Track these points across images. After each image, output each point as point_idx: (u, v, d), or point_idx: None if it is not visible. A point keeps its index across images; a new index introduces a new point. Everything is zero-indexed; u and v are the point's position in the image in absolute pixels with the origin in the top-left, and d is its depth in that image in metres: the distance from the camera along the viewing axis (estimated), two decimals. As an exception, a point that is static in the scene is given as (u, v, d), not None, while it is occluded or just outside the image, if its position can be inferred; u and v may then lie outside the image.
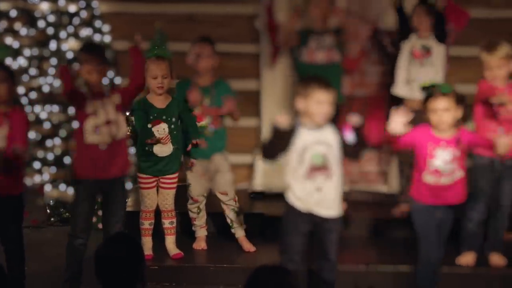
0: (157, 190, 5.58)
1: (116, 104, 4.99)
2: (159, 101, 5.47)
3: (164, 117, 5.45)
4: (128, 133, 6.43)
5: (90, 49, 5.08)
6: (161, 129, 5.43)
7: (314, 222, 4.69)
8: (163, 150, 5.45)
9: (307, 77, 4.78)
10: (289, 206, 4.71)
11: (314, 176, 4.62)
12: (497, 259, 5.48)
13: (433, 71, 6.07)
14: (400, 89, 6.19)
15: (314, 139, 4.62)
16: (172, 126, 5.46)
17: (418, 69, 6.11)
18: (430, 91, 4.90)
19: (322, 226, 4.71)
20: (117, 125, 4.99)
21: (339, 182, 4.69)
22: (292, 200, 4.69)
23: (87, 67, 4.92)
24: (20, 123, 4.89)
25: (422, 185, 4.94)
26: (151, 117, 5.43)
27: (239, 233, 5.75)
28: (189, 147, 5.53)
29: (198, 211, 5.75)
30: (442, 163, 4.87)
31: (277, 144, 4.58)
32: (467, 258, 5.46)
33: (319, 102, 4.58)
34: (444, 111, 4.83)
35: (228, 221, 5.74)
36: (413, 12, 6.18)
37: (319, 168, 4.62)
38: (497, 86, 5.29)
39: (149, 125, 5.41)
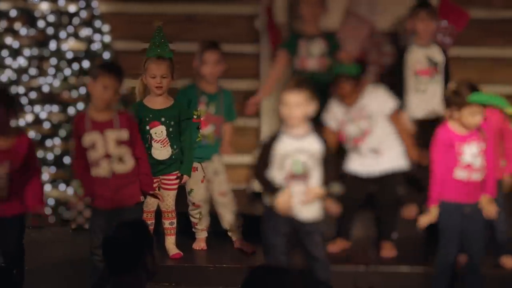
0: (158, 190, 5.54)
1: (121, 140, 4.92)
2: (157, 103, 5.37)
3: (162, 119, 5.35)
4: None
5: (111, 67, 5.04)
6: (158, 132, 5.34)
7: (293, 224, 4.69)
8: (162, 153, 5.37)
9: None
10: (267, 208, 4.71)
11: (291, 183, 4.61)
12: (508, 260, 5.44)
13: (440, 87, 5.78)
14: (413, 110, 5.80)
15: (295, 147, 4.60)
16: (171, 129, 5.36)
17: (425, 85, 5.82)
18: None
19: (302, 229, 4.71)
20: (119, 159, 4.92)
21: (316, 186, 4.66)
22: (270, 202, 4.68)
23: (103, 82, 4.84)
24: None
25: (451, 182, 4.91)
26: (147, 119, 5.34)
27: (237, 236, 5.73)
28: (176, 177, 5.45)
29: (200, 216, 5.68)
30: (471, 157, 4.87)
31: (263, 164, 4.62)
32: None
33: (288, 104, 4.54)
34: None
35: (226, 224, 5.71)
36: (414, 16, 5.81)
37: (299, 176, 4.61)
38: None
39: (147, 127, 5.34)
